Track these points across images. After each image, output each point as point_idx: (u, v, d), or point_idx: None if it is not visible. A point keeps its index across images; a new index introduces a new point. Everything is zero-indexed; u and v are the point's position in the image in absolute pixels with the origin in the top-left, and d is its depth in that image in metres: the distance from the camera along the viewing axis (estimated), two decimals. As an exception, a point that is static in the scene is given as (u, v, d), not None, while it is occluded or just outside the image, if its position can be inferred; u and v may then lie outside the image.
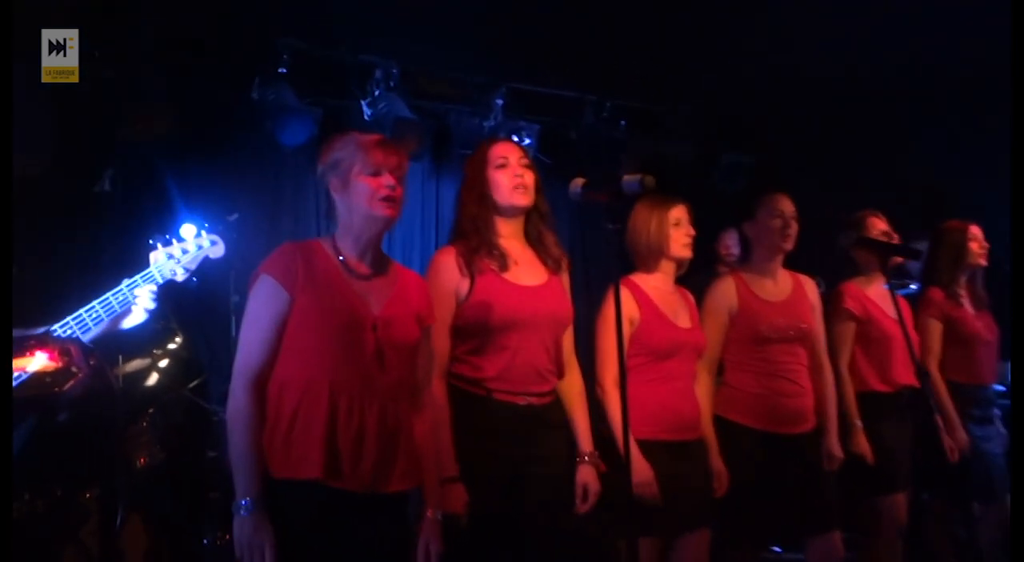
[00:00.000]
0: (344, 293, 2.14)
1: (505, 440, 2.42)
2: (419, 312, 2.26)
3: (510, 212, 2.56)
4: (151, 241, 2.55)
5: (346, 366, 2.09)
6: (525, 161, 2.57)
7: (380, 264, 2.25)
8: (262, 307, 2.13)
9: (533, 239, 2.62)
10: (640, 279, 2.96)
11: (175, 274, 2.54)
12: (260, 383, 2.11)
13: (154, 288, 2.51)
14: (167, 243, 2.55)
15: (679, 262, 2.97)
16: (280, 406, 2.09)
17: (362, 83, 4.91)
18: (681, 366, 2.89)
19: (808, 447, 3.08)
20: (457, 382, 2.47)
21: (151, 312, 2.54)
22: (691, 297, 3.05)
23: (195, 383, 4.09)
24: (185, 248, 2.56)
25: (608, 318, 2.72)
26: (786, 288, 3.19)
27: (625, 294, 2.86)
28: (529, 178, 2.55)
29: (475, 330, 2.46)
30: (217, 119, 4.57)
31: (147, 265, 2.53)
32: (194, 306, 4.20)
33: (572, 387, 2.65)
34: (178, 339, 4.09)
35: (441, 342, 2.43)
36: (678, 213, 2.94)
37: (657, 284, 2.95)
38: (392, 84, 4.89)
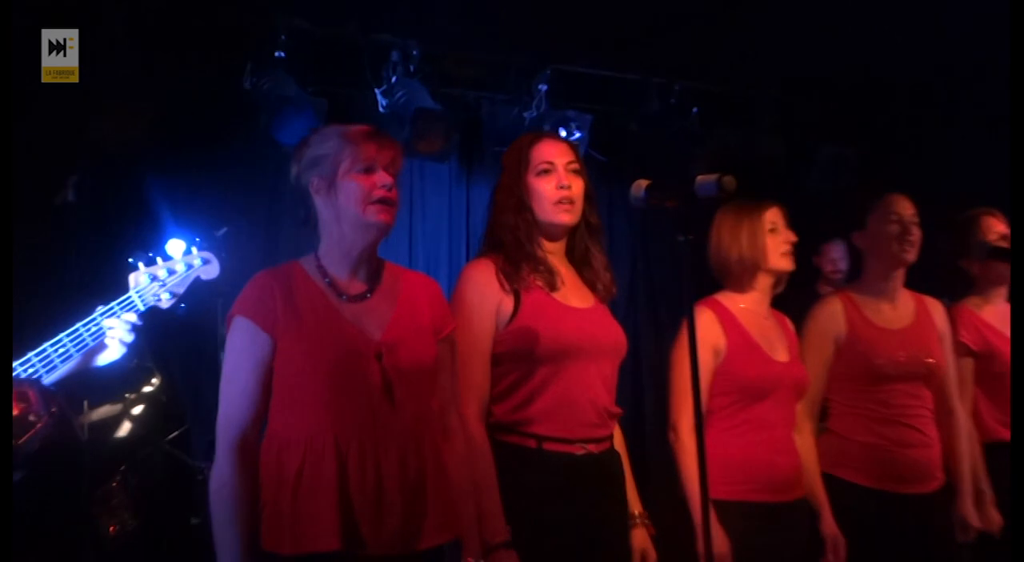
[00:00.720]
0: (335, 323, 2.17)
1: (565, 501, 2.42)
2: (433, 323, 2.28)
3: (554, 230, 2.58)
4: (131, 260, 2.57)
5: (350, 411, 2.11)
6: (575, 166, 2.58)
7: (375, 277, 2.28)
8: (240, 357, 2.17)
9: (578, 259, 2.63)
10: (728, 300, 2.96)
11: (159, 300, 2.56)
12: (248, 447, 2.14)
13: (134, 317, 2.53)
14: (150, 262, 2.57)
15: (779, 276, 2.97)
16: (281, 471, 2.11)
17: (375, 68, 4.96)
18: (777, 409, 2.86)
19: (935, 512, 3.04)
20: (496, 433, 2.47)
21: (129, 346, 2.56)
22: (789, 323, 3.04)
23: (175, 434, 4.14)
24: (172, 268, 2.58)
25: (684, 350, 2.71)
26: (908, 312, 3.16)
27: (709, 318, 2.86)
28: (577, 188, 2.56)
29: (519, 359, 2.46)
30: (202, 113, 4.64)
31: (126, 289, 2.56)
32: (175, 340, 4.27)
33: (617, 434, 2.64)
34: (155, 380, 4.14)
35: (478, 374, 2.45)
36: (773, 216, 2.95)
37: (750, 306, 2.95)
38: (412, 68, 4.94)
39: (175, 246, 2.60)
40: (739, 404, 2.84)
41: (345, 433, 2.10)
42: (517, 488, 2.39)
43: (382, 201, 2.18)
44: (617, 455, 2.59)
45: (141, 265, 2.55)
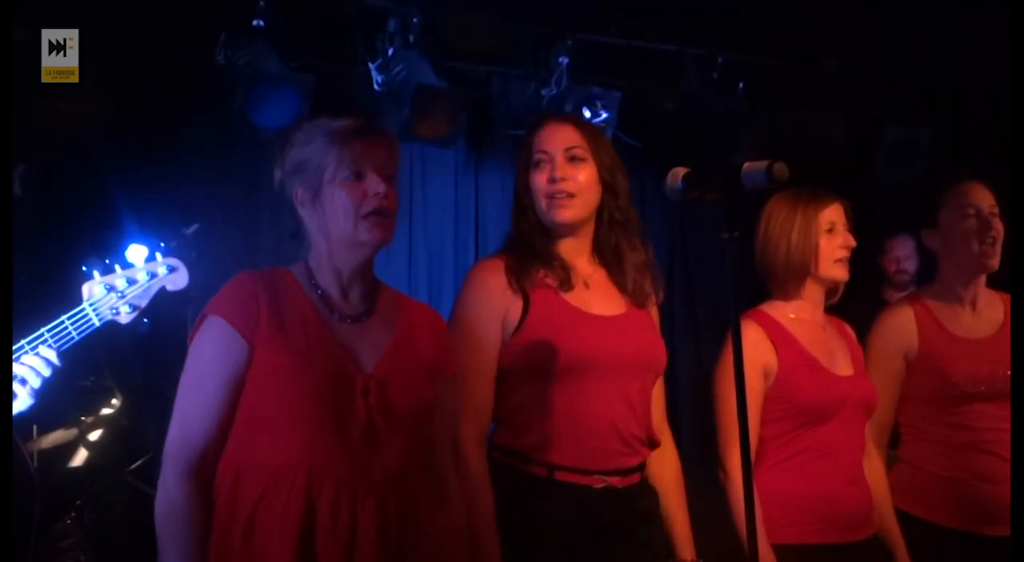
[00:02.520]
0: (324, 342, 2.15)
1: (577, 543, 2.41)
2: (432, 362, 2.26)
3: (555, 229, 2.58)
4: (84, 268, 2.57)
5: (326, 448, 2.09)
6: (577, 151, 2.57)
7: (372, 297, 2.26)
8: (210, 363, 2.14)
9: (608, 256, 2.62)
10: (775, 310, 2.94)
11: (117, 313, 2.56)
12: (203, 469, 2.12)
13: (53, 355, 2.48)
14: (107, 270, 2.57)
15: (830, 286, 2.95)
16: (235, 502, 2.09)
17: (370, 39, 4.97)
18: (842, 432, 2.84)
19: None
20: (501, 456, 2.47)
21: (37, 396, 2.47)
22: (851, 331, 3.03)
23: (139, 463, 4.15)
24: (132, 277, 2.58)
25: (730, 371, 2.70)
26: (993, 319, 3.15)
27: (756, 334, 2.84)
28: (578, 178, 2.54)
29: (527, 375, 2.46)
30: (169, 92, 4.65)
31: (79, 301, 2.56)
32: (138, 355, 4.27)
33: (666, 467, 2.65)
34: (116, 401, 4.16)
35: (481, 392, 2.45)
36: (832, 214, 2.92)
37: (802, 315, 2.93)
38: (412, 39, 4.93)
39: (136, 252, 2.59)
40: (797, 430, 2.82)
41: (321, 470, 2.07)
42: (522, 526, 2.39)
43: (375, 213, 2.14)
44: (650, 490, 2.57)
45: (96, 274, 2.55)
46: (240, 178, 4.98)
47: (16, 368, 2.42)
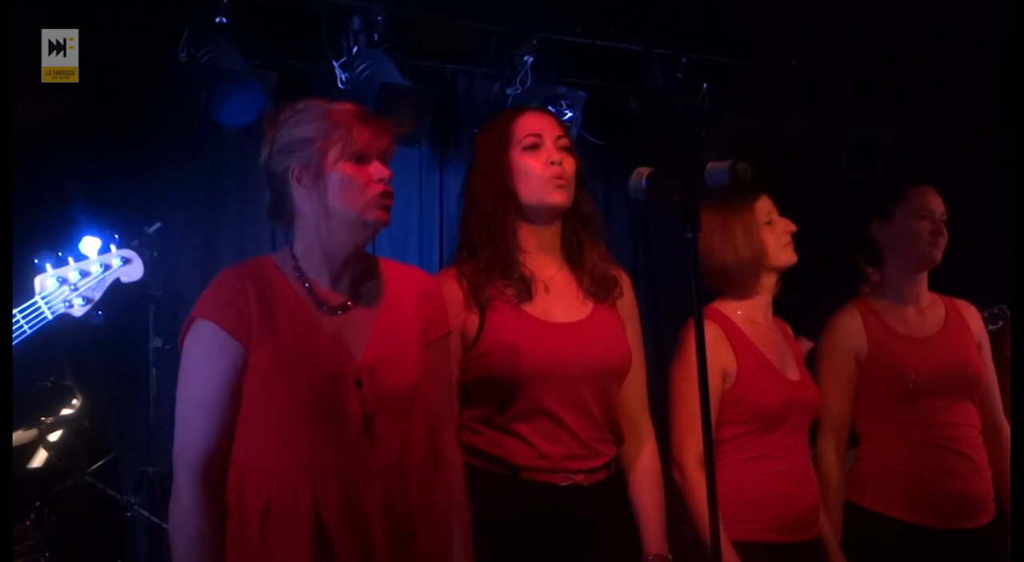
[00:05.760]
0: (314, 339, 2.14)
1: (542, 538, 2.42)
2: (420, 331, 2.24)
3: (542, 215, 2.56)
4: (36, 260, 2.55)
5: (327, 447, 2.10)
6: (564, 141, 2.58)
7: (360, 281, 2.24)
8: (205, 368, 2.13)
9: (571, 253, 2.61)
10: (729, 309, 2.96)
11: (71, 306, 2.54)
12: (213, 474, 2.12)
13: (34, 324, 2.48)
14: (60, 263, 2.55)
15: (781, 273, 2.99)
16: (243, 505, 2.10)
17: (333, 36, 4.95)
18: (792, 435, 2.88)
19: (985, 549, 3.05)
20: (469, 457, 2.46)
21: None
22: (790, 331, 3.06)
23: (100, 464, 4.11)
24: (85, 269, 2.56)
25: (688, 368, 2.72)
26: (936, 317, 3.20)
27: (714, 334, 2.85)
28: (569, 166, 2.54)
29: (488, 388, 2.46)
30: (129, 89, 4.61)
31: (31, 294, 2.53)
32: (99, 353, 4.24)
33: (642, 459, 2.64)
34: (76, 401, 4.12)
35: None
36: (766, 206, 2.96)
37: (755, 315, 2.95)
38: (376, 37, 4.92)
39: (90, 244, 2.57)
40: (753, 434, 2.84)
41: (322, 472, 2.09)
42: (486, 519, 2.39)
43: (382, 196, 2.15)
44: (619, 485, 2.58)
45: (49, 266, 2.53)
46: (203, 176, 4.95)
47: None
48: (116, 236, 2.61)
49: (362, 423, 2.12)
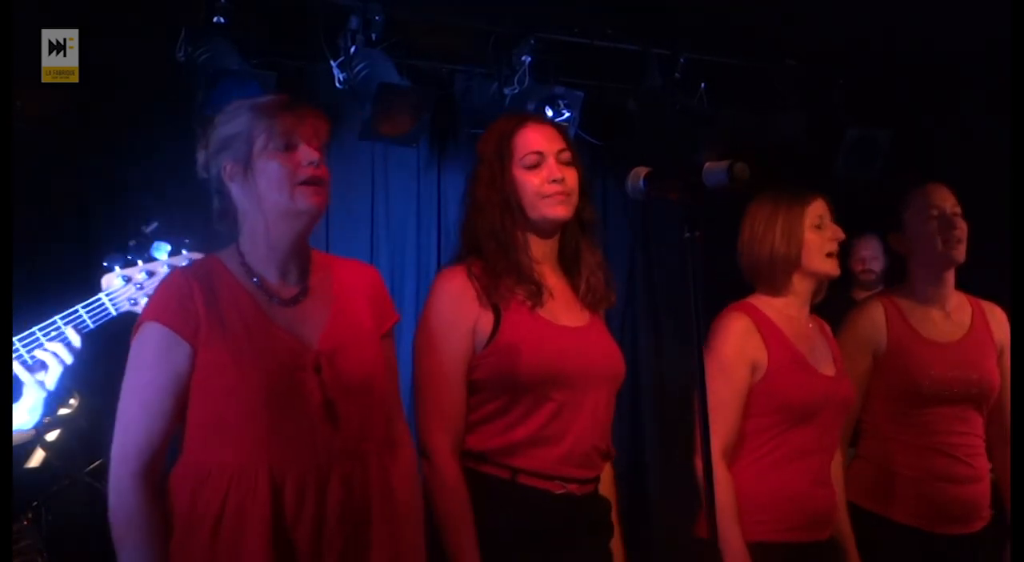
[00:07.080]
0: (266, 331, 2.15)
1: (535, 544, 2.43)
2: (373, 322, 2.26)
3: (546, 228, 2.56)
4: (105, 263, 2.60)
5: (287, 437, 2.10)
6: (566, 155, 2.57)
7: (305, 273, 2.25)
8: (151, 370, 2.14)
9: (569, 260, 2.62)
10: (761, 303, 2.91)
11: (135, 304, 2.60)
12: (153, 472, 2.12)
13: (76, 338, 2.53)
14: (127, 264, 2.60)
15: (819, 281, 2.92)
16: (195, 503, 2.10)
17: (331, 36, 4.95)
18: (820, 433, 2.84)
19: (981, 553, 3.06)
20: (468, 461, 2.47)
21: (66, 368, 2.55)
22: (828, 328, 3.02)
23: (97, 464, 4.11)
24: (152, 270, 2.62)
25: (725, 357, 2.73)
26: (962, 321, 3.16)
27: (746, 326, 2.83)
28: (572, 180, 2.54)
29: (499, 388, 2.46)
30: (126, 89, 4.61)
31: (96, 291, 2.58)
32: (97, 354, 4.23)
33: (608, 478, 2.64)
34: (74, 401, 4.11)
35: (451, 402, 2.44)
36: (818, 209, 2.89)
37: (788, 311, 2.90)
38: (374, 37, 4.93)
39: (161, 248, 2.63)
40: (778, 428, 2.80)
41: (281, 463, 2.09)
42: (484, 525, 2.40)
43: (310, 181, 2.14)
44: (604, 501, 2.59)
45: (117, 267, 2.60)
46: (199, 175, 4.93)
47: (38, 354, 2.50)
48: (187, 241, 2.66)
49: (323, 407, 2.12)
